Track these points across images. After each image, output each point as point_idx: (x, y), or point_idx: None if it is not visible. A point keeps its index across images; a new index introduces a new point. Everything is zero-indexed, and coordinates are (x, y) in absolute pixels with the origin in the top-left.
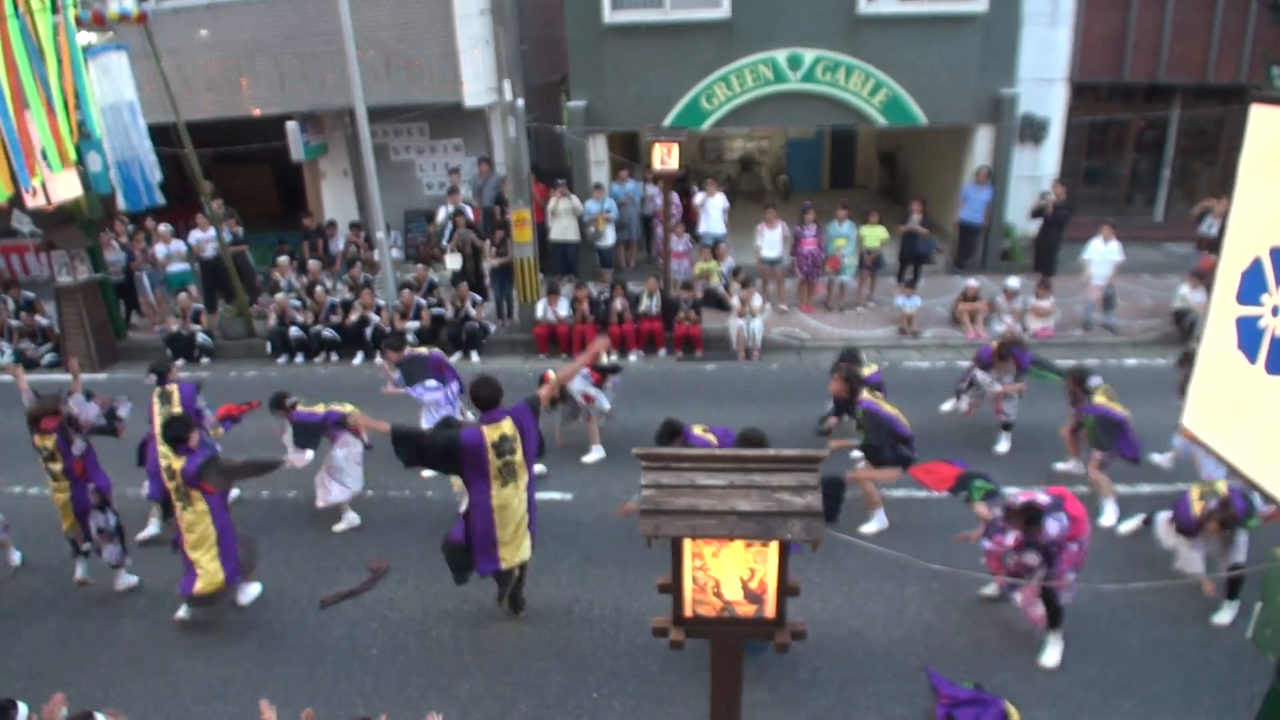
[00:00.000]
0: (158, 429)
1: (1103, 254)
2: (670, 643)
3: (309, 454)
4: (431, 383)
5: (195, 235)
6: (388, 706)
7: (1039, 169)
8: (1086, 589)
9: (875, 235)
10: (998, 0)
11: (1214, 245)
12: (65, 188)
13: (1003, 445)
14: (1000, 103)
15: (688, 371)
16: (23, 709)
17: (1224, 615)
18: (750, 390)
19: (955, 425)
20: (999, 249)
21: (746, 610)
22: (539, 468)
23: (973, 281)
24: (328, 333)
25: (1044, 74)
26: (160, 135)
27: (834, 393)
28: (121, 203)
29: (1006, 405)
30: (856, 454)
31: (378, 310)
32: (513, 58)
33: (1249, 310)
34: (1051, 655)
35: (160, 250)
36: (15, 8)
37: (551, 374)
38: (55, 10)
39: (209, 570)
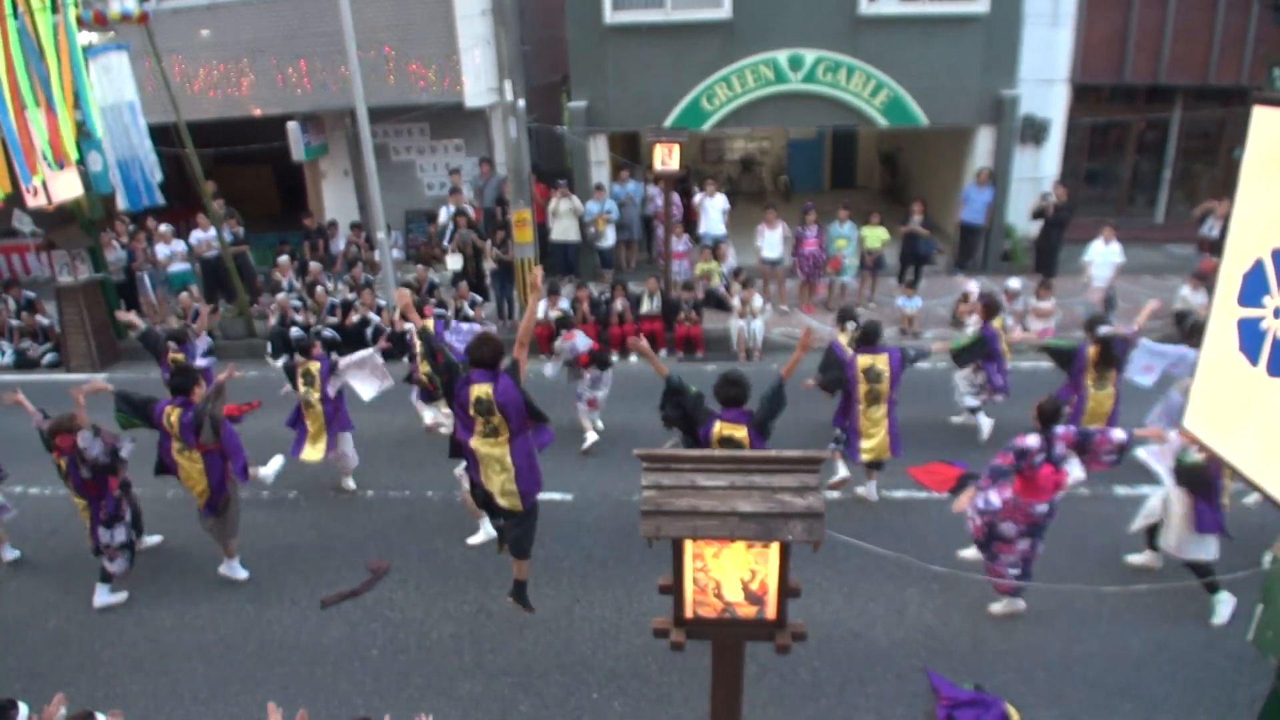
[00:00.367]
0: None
1: (1104, 255)
2: (671, 644)
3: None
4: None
5: (196, 235)
6: (388, 706)
7: (1040, 170)
8: (1088, 591)
9: (876, 236)
10: (999, 1)
11: (1215, 247)
12: (66, 187)
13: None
14: (1001, 104)
15: (688, 372)
16: (23, 709)
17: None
18: (751, 390)
19: (955, 426)
20: (1000, 250)
21: (747, 611)
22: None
23: (971, 286)
24: (328, 333)
25: (1045, 75)
26: (161, 135)
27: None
28: (122, 203)
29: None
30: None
31: (378, 310)
32: (514, 58)
33: (1251, 312)
34: (998, 607)
35: (161, 250)
36: (15, 8)
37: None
38: (55, 10)
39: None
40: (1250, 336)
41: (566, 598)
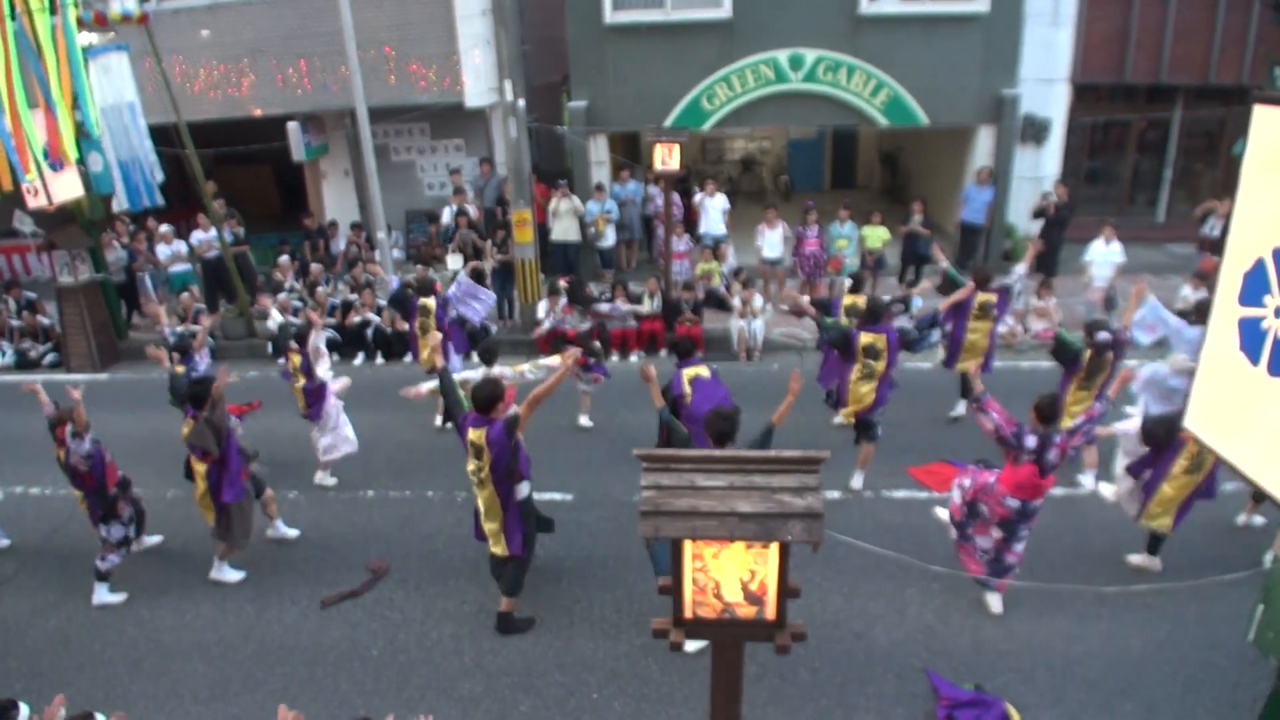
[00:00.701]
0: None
1: (1104, 255)
2: (670, 644)
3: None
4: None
5: (197, 236)
6: (388, 707)
7: (1040, 169)
8: (1088, 591)
9: (877, 236)
10: (999, 0)
11: (1216, 246)
12: (66, 188)
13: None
14: (1002, 103)
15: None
16: (24, 709)
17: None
18: (751, 391)
19: (955, 426)
20: (1000, 250)
21: (747, 612)
22: None
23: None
24: (328, 333)
25: (1046, 74)
26: (161, 136)
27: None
28: (122, 203)
29: None
30: None
31: (378, 311)
32: (514, 58)
33: (1251, 312)
34: (994, 602)
35: (162, 251)
36: (13, 10)
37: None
38: (54, 11)
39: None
40: (1251, 336)
41: (567, 598)
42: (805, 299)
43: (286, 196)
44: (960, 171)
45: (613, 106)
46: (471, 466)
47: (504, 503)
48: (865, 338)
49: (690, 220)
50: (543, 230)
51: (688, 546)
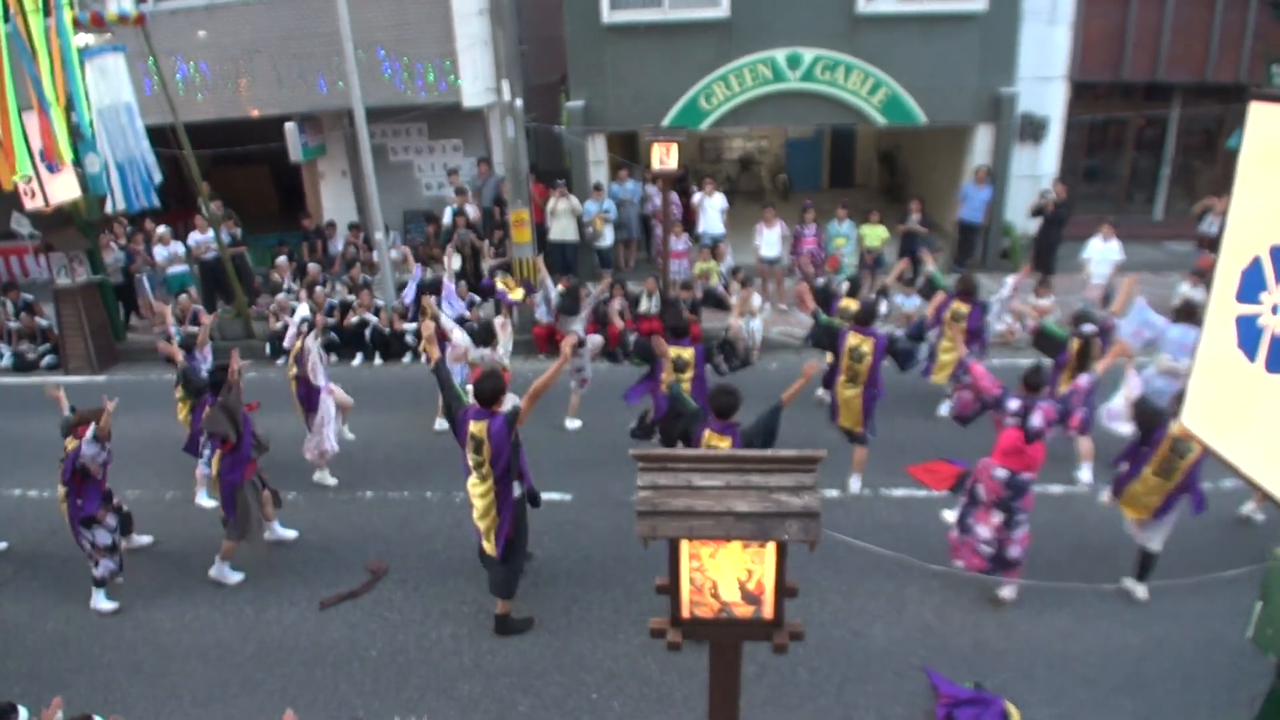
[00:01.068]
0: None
1: (1102, 252)
2: (667, 644)
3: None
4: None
5: (194, 237)
6: (387, 707)
7: (1038, 168)
8: (1086, 589)
9: (876, 234)
10: None
11: (1214, 243)
12: (63, 189)
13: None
14: (1000, 101)
15: None
16: (23, 712)
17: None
18: (749, 390)
19: (952, 424)
20: (999, 248)
21: (744, 611)
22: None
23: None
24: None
25: (1043, 73)
26: (158, 137)
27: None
28: (119, 204)
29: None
30: None
31: (376, 311)
32: (511, 58)
33: (1249, 309)
34: (1007, 591)
35: (159, 252)
36: (6, 12)
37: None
38: (48, 13)
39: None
40: (1248, 333)
41: (565, 598)
42: (807, 293)
43: (284, 197)
44: (958, 170)
45: (611, 106)
46: (472, 460)
47: (500, 501)
48: (853, 338)
49: (688, 219)
50: (541, 230)
51: (685, 546)
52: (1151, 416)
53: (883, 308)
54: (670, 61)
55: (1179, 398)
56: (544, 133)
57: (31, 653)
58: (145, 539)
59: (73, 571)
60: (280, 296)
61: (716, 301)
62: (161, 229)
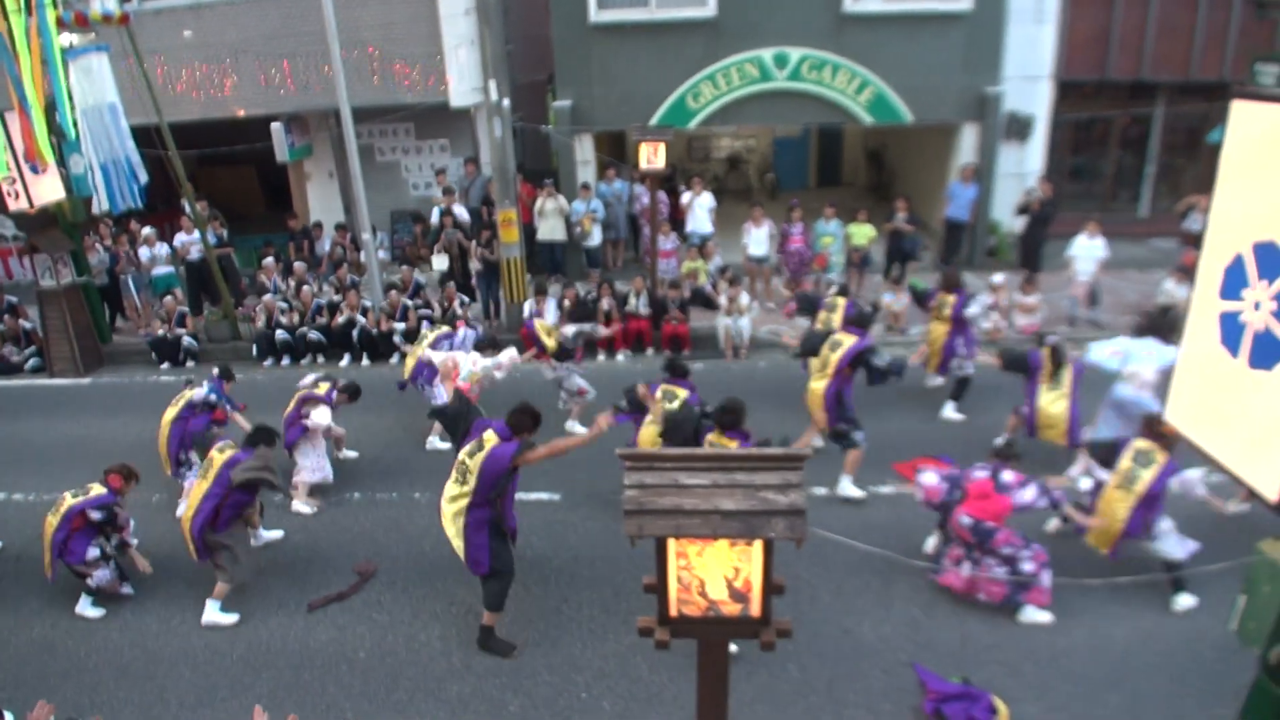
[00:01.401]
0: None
1: (1088, 250)
2: (655, 642)
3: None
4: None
5: (180, 238)
6: (376, 709)
7: (1024, 166)
8: (1073, 584)
9: (864, 233)
10: None
11: (1198, 241)
12: (48, 191)
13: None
14: (986, 100)
15: None
16: (8, 717)
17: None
18: (738, 389)
19: (940, 423)
20: (985, 246)
21: (732, 609)
22: None
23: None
24: (314, 335)
25: (1029, 71)
26: (143, 137)
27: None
28: (104, 204)
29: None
30: None
31: (364, 312)
32: (498, 57)
33: (1231, 305)
34: (1034, 616)
35: (145, 253)
36: None
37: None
38: (29, 12)
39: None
40: (1231, 330)
41: (555, 597)
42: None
43: (271, 198)
44: (945, 168)
45: (598, 105)
46: (454, 477)
47: (469, 518)
48: (837, 335)
49: (676, 218)
50: (529, 230)
51: (672, 545)
52: (1109, 449)
53: (869, 310)
54: (657, 61)
55: (1149, 422)
56: (531, 132)
57: (17, 658)
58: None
59: (58, 576)
60: (267, 298)
61: (705, 300)
62: (147, 230)
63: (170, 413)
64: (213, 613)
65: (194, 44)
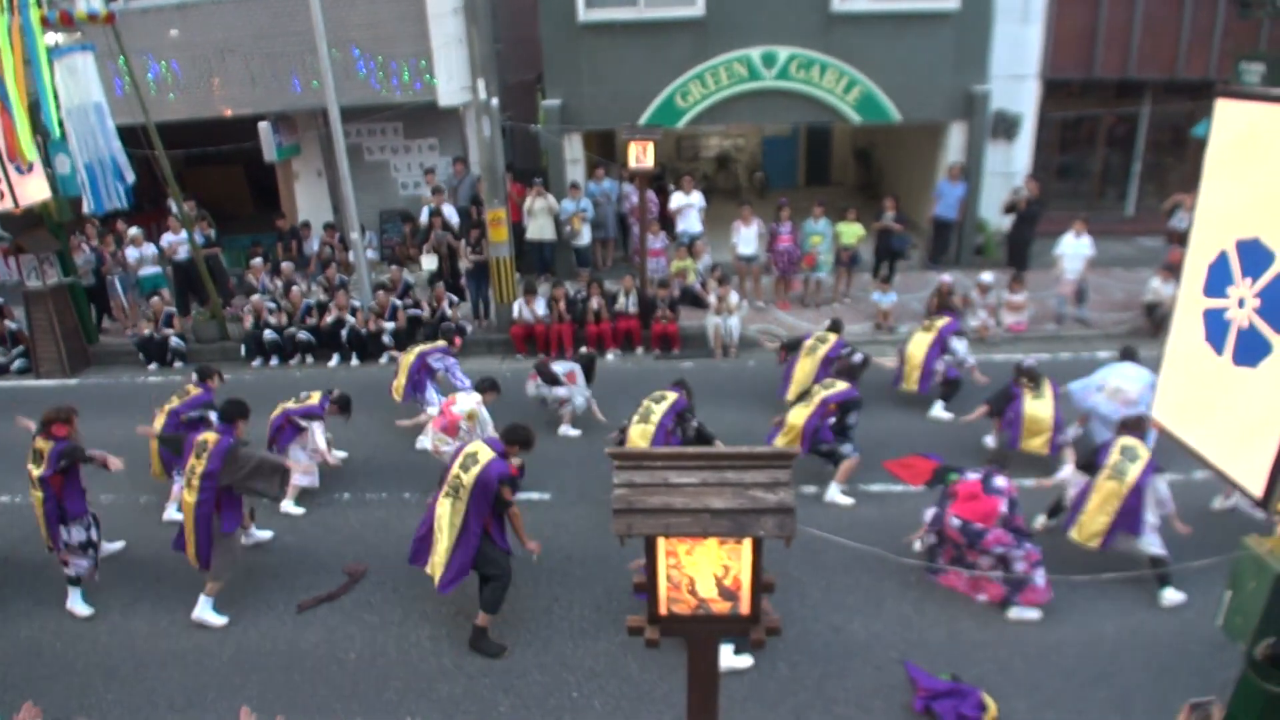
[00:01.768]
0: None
1: (1075, 248)
2: (646, 641)
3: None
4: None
5: (167, 238)
6: (367, 710)
7: (1012, 165)
8: (1061, 581)
9: (853, 232)
10: None
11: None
12: (34, 191)
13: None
14: (973, 99)
15: (665, 370)
16: None
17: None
18: (728, 387)
19: (930, 422)
20: (973, 244)
21: (721, 607)
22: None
23: (946, 277)
24: (303, 335)
25: (1016, 70)
26: (130, 136)
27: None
28: (88, 205)
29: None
30: None
31: (353, 312)
32: (487, 56)
33: (1216, 303)
34: (1022, 614)
35: (131, 254)
36: None
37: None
38: (12, 11)
39: (190, 545)
40: (1215, 327)
41: (546, 597)
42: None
43: (259, 197)
44: (933, 167)
45: (587, 104)
46: (449, 482)
47: (464, 531)
48: (829, 380)
49: (665, 218)
50: (518, 229)
51: (661, 543)
52: (1090, 455)
53: (858, 359)
54: (646, 60)
55: (1125, 423)
56: (520, 131)
57: (4, 660)
58: (117, 545)
59: (45, 577)
60: (255, 298)
61: (694, 299)
62: (133, 230)
63: (160, 422)
64: (205, 610)
65: (181, 43)
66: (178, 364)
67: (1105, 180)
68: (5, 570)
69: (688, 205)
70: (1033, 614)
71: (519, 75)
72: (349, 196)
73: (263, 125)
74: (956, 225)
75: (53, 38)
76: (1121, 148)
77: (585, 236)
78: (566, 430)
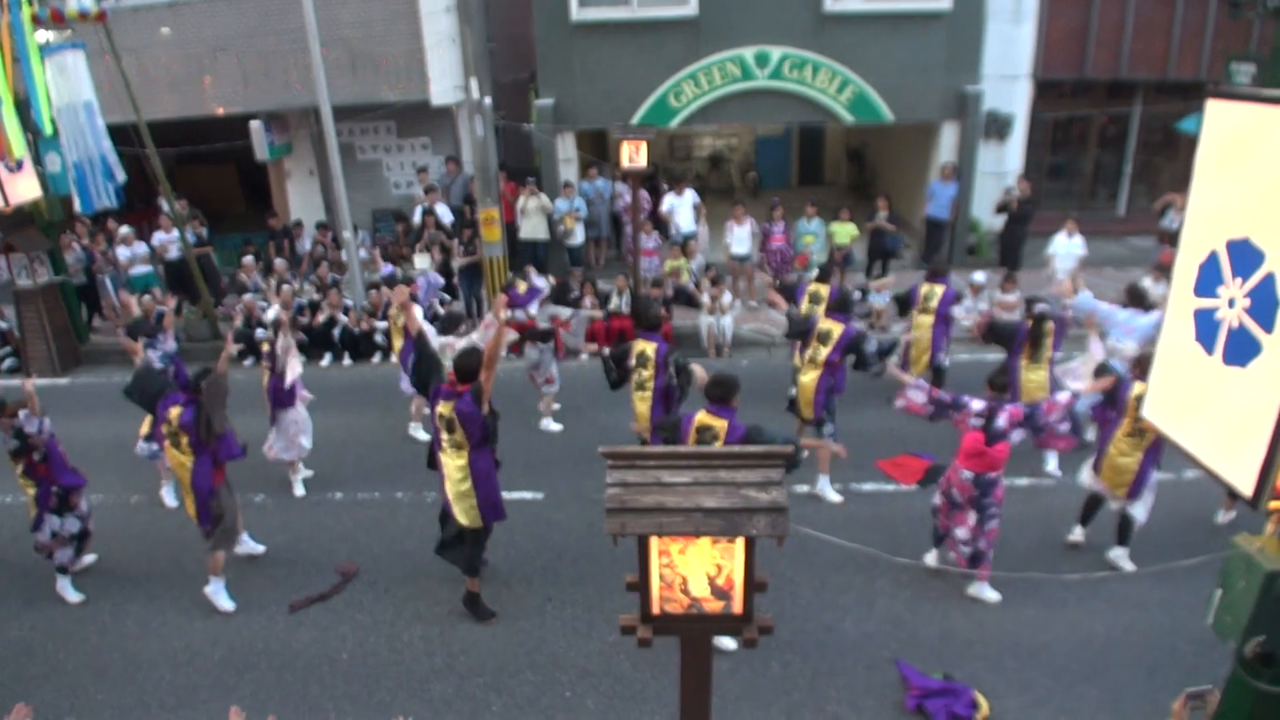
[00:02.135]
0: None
1: (1067, 248)
2: (638, 640)
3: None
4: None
5: (158, 237)
6: (359, 710)
7: (1004, 165)
8: (1052, 580)
9: (846, 232)
10: None
11: (1175, 239)
12: (25, 189)
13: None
14: (965, 99)
15: None
16: None
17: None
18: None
19: (923, 420)
20: (965, 244)
21: (714, 606)
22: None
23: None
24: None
25: (1008, 71)
26: (121, 135)
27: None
28: (77, 204)
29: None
30: None
31: (345, 311)
32: (479, 55)
33: (1206, 302)
34: (980, 591)
35: (122, 253)
36: None
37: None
38: (1, 9)
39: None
40: (1206, 326)
41: (538, 596)
42: (779, 298)
43: (251, 196)
44: (925, 167)
45: (580, 104)
46: (445, 439)
47: (475, 471)
48: (823, 324)
49: (657, 217)
50: (511, 229)
51: (654, 543)
52: (1115, 386)
53: (856, 296)
54: (639, 59)
55: (1140, 361)
56: (513, 131)
57: None
58: (90, 558)
59: (35, 577)
60: (247, 297)
61: (688, 299)
62: (124, 229)
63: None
64: (217, 593)
65: (172, 41)
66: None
67: (1097, 180)
68: None
69: (679, 205)
70: (993, 595)
71: (512, 74)
72: (341, 195)
73: (254, 124)
74: (949, 225)
75: (43, 35)
76: (1113, 148)
77: (578, 236)
78: (548, 424)
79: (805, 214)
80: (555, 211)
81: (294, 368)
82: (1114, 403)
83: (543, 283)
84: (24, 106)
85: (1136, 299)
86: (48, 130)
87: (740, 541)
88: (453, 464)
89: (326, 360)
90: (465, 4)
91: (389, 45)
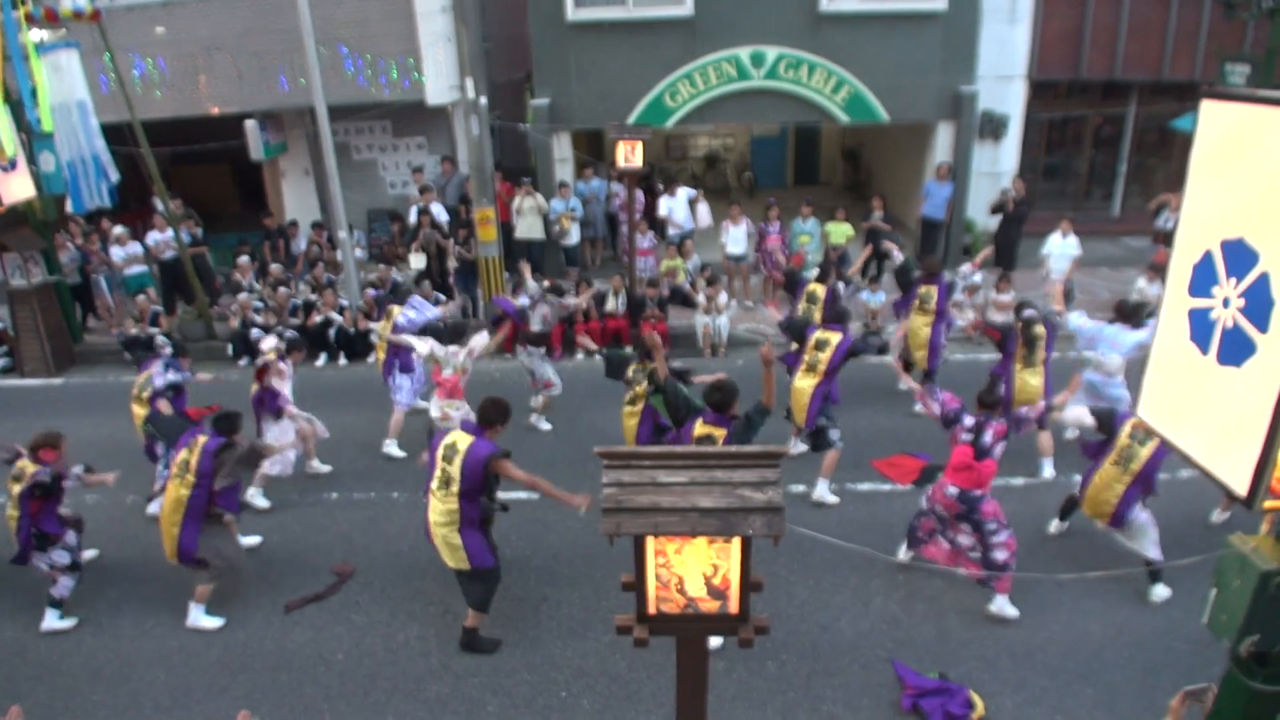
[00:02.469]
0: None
1: (1061, 248)
2: (634, 640)
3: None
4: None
5: (153, 236)
6: (355, 711)
7: (999, 165)
8: (1047, 579)
9: (842, 232)
10: None
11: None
12: (19, 189)
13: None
14: (960, 100)
15: None
16: None
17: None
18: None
19: (919, 419)
20: (960, 244)
21: (710, 606)
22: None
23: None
24: (290, 334)
25: (1003, 71)
26: (115, 134)
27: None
28: (70, 205)
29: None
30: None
31: (341, 311)
32: (475, 55)
33: (1201, 302)
34: (1001, 607)
35: (117, 252)
36: None
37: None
38: None
39: (168, 540)
40: (1200, 326)
41: (534, 596)
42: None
43: (246, 196)
44: (920, 167)
45: (576, 104)
46: (438, 472)
47: (466, 510)
48: (821, 333)
49: (652, 216)
50: (507, 228)
51: (650, 543)
52: (1108, 417)
53: (843, 289)
54: (635, 59)
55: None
56: (509, 130)
57: None
58: (91, 553)
59: (30, 578)
60: (242, 296)
61: (683, 299)
62: (119, 229)
63: (138, 408)
64: (197, 617)
65: (167, 40)
66: None
67: (1092, 180)
68: None
69: (675, 206)
70: (1012, 611)
71: (507, 74)
72: (336, 195)
73: (249, 123)
74: (944, 225)
75: (37, 34)
76: (1108, 148)
77: (574, 236)
78: (537, 422)
79: (801, 214)
80: (551, 211)
81: (284, 389)
82: (1110, 433)
83: (535, 287)
84: (16, 105)
85: (1125, 315)
86: (47, 127)
87: (736, 541)
88: (436, 506)
89: (321, 360)
90: (461, 3)
91: (385, 44)
